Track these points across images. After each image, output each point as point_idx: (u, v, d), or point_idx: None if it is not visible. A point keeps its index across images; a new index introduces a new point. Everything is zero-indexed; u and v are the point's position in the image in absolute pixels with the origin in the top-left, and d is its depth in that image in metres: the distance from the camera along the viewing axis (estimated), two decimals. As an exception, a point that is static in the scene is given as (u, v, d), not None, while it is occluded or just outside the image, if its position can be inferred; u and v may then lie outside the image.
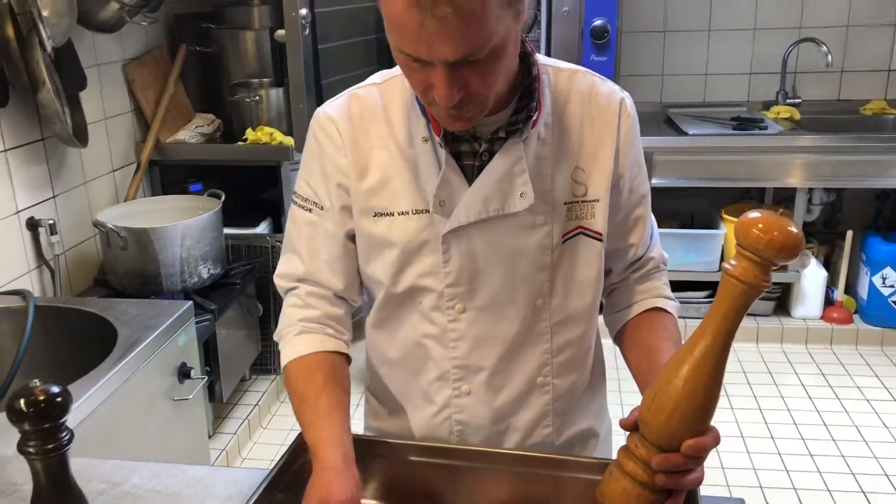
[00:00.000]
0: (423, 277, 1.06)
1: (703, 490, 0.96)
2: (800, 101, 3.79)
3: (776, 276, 3.34)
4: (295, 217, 1.12)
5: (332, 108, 1.09)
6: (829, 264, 3.78)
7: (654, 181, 3.34)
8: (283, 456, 1.05)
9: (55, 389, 0.81)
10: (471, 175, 1.03)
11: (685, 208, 3.84)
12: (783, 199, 3.70)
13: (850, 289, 3.72)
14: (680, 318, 1.18)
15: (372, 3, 3.31)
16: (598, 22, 3.29)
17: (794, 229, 0.79)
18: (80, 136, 2.41)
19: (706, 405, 0.84)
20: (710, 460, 0.98)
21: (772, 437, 2.88)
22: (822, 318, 3.66)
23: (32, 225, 2.33)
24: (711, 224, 3.70)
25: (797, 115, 3.64)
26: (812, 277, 3.62)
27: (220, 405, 2.80)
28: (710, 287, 3.66)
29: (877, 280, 3.55)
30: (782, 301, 3.74)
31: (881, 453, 2.78)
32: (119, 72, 2.85)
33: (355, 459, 0.98)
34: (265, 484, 0.99)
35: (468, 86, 0.89)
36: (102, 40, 2.69)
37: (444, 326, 1.08)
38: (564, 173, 1.05)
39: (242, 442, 2.82)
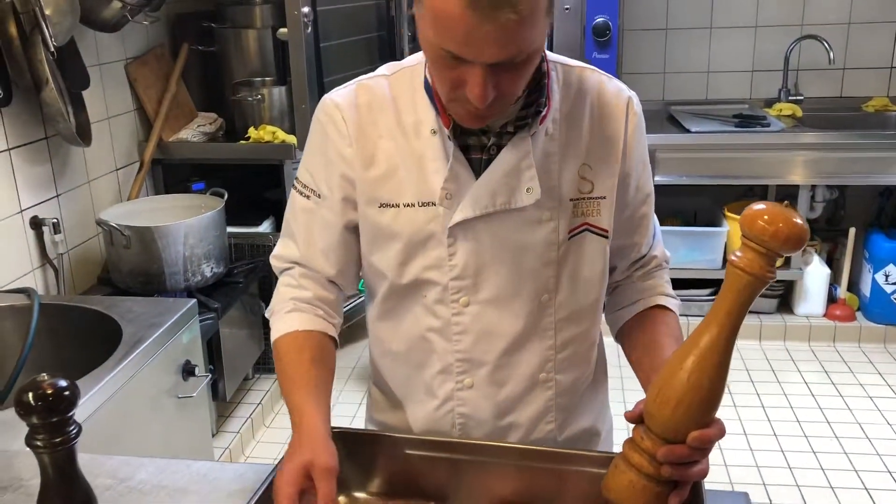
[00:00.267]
0: (427, 270, 1.06)
1: (707, 486, 0.96)
2: (802, 98, 3.78)
3: (779, 274, 3.33)
4: (294, 202, 1.13)
5: (339, 97, 1.08)
6: (832, 262, 3.78)
7: (656, 179, 3.32)
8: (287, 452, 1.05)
9: (63, 383, 0.81)
10: (478, 168, 1.03)
11: (687, 206, 3.84)
12: (786, 196, 3.66)
13: (853, 286, 3.72)
14: (682, 316, 1.19)
15: (373, 1, 3.31)
16: (599, 19, 3.30)
17: (798, 220, 0.79)
18: (83, 135, 2.41)
19: (711, 397, 0.85)
20: (713, 457, 0.98)
21: (775, 434, 2.88)
22: (824, 315, 3.66)
23: (36, 224, 2.33)
24: (714, 222, 3.70)
25: (799, 113, 3.64)
26: (815, 275, 3.62)
27: (223, 404, 2.81)
28: (713, 285, 3.66)
29: (879, 277, 3.55)
30: (785, 298, 3.74)
31: (884, 450, 2.78)
32: (121, 71, 2.85)
33: (356, 453, 0.99)
34: (270, 479, 0.99)
35: (499, 86, 0.90)
36: (104, 39, 2.70)
37: (448, 320, 1.08)
38: (571, 170, 1.05)
39: (246, 440, 2.82)
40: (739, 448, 2.78)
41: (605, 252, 1.09)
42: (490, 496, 1.04)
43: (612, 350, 1.23)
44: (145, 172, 2.91)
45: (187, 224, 2.47)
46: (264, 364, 3.11)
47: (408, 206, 1.04)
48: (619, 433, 1.26)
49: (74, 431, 0.83)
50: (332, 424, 1.08)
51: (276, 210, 3.14)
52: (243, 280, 2.75)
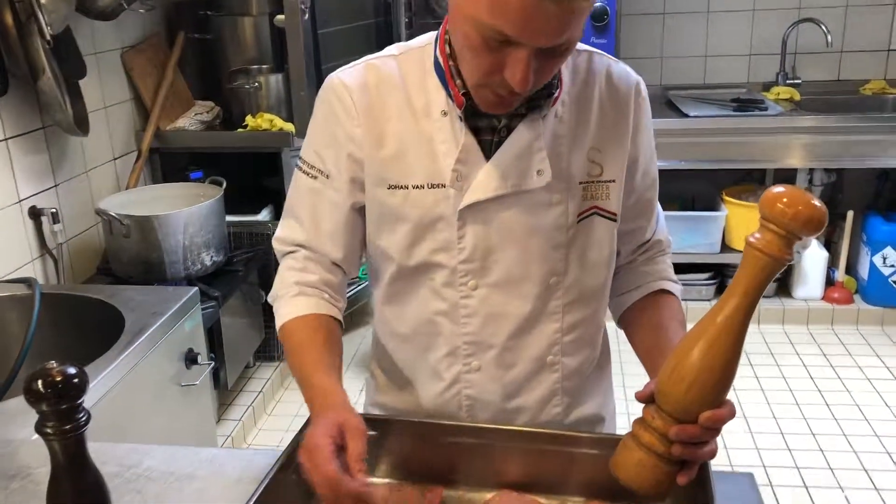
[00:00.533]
0: (436, 253, 1.06)
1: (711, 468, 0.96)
2: (800, 81, 3.78)
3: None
4: (299, 183, 1.11)
5: (347, 76, 1.06)
6: (830, 245, 3.79)
7: (654, 164, 3.33)
8: (296, 436, 1.05)
9: (72, 370, 0.81)
10: (488, 151, 1.03)
11: (686, 191, 3.84)
12: (784, 180, 3.70)
13: (851, 269, 3.73)
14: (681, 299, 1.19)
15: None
16: (597, 4, 3.28)
17: (817, 203, 0.80)
18: (80, 124, 2.40)
19: (725, 378, 0.85)
20: (714, 440, 0.98)
21: (774, 416, 2.90)
22: (823, 298, 3.67)
23: (35, 214, 2.32)
24: (712, 206, 3.71)
25: (797, 96, 3.64)
26: (813, 258, 3.63)
27: (224, 392, 2.81)
28: (712, 269, 3.67)
29: (877, 260, 3.56)
30: (783, 282, 3.75)
31: (882, 431, 2.80)
32: (117, 60, 2.84)
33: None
34: (279, 464, 0.99)
35: (538, 72, 0.89)
36: (100, 28, 2.68)
37: (456, 303, 1.07)
38: (580, 153, 1.05)
39: (248, 428, 2.83)
40: (739, 430, 2.79)
41: (614, 235, 1.09)
42: (498, 479, 1.04)
43: (612, 335, 1.24)
44: (143, 161, 2.90)
45: (187, 213, 2.47)
46: (265, 352, 3.11)
47: (417, 187, 1.03)
48: (620, 417, 1.27)
49: (84, 418, 0.83)
50: None
51: (274, 198, 3.13)
52: (243, 268, 2.75)
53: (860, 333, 3.53)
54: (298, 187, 1.11)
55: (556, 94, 1.02)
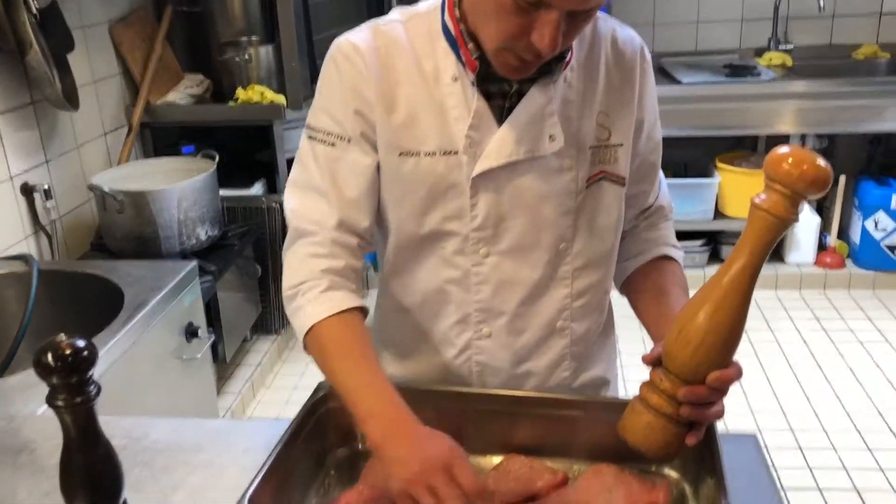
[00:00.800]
0: (448, 221, 1.05)
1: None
2: (792, 47, 3.77)
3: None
4: (314, 154, 1.04)
5: (356, 38, 1.03)
6: (822, 210, 3.81)
7: (648, 131, 3.33)
8: (304, 406, 1.05)
9: (81, 343, 0.80)
10: (499, 116, 1.02)
11: (678, 158, 3.84)
12: (776, 146, 3.70)
13: (843, 234, 3.75)
14: (678, 266, 1.19)
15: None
16: (589, -30, 3.24)
17: (823, 163, 0.80)
18: (70, 98, 2.37)
19: (731, 339, 0.86)
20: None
21: (768, 379, 2.93)
22: (815, 263, 3.70)
23: (27, 190, 2.30)
24: (705, 173, 3.71)
25: (790, 62, 3.63)
26: (805, 223, 3.64)
27: (223, 366, 2.82)
28: (705, 236, 3.68)
29: (869, 224, 3.58)
30: (776, 248, 3.75)
31: (874, 392, 2.84)
32: (105, 33, 2.80)
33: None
34: (289, 433, 0.99)
35: (564, 35, 0.89)
36: (87, 1, 2.64)
37: (468, 270, 1.07)
38: (589, 117, 1.04)
39: (247, 401, 2.84)
40: (733, 393, 2.81)
41: (622, 200, 1.09)
42: (506, 443, 1.05)
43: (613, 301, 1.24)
44: (134, 136, 2.87)
45: (181, 187, 2.45)
46: (262, 326, 3.11)
47: (429, 154, 1.02)
48: (631, 384, 1.28)
49: (94, 391, 0.83)
50: None
51: (266, 172, 3.11)
52: (238, 243, 2.74)
53: (852, 297, 3.56)
54: (315, 157, 1.04)
55: (567, 59, 1.01)
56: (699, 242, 3.66)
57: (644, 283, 1.15)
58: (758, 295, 3.81)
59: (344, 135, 1.03)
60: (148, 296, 1.75)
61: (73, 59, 2.45)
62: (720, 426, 0.98)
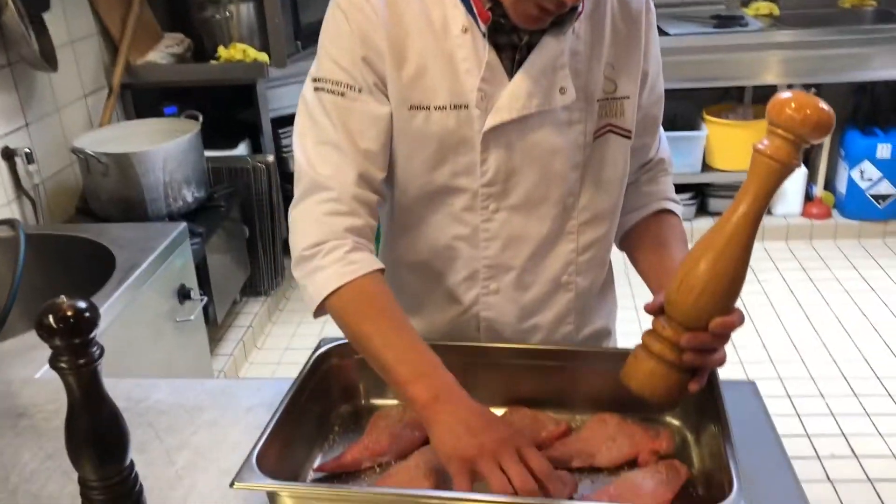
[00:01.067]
0: (457, 177, 1.03)
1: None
2: (778, -5, 3.74)
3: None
4: (325, 105, 0.99)
5: None
6: (808, 161, 3.82)
7: (635, 84, 3.31)
8: (307, 364, 1.05)
9: (82, 304, 0.79)
10: (509, 69, 0.99)
11: (667, 110, 3.76)
12: (763, 97, 3.69)
13: (829, 184, 3.77)
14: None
15: None
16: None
17: (825, 107, 0.79)
18: (48, 58, 2.32)
19: (734, 285, 0.86)
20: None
21: (756, 330, 2.96)
22: (801, 214, 3.72)
23: (8, 155, 2.26)
24: (693, 126, 3.70)
25: (776, 11, 3.61)
26: (792, 174, 3.65)
27: (214, 328, 2.81)
28: (693, 189, 3.69)
29: (855, 174, 3.60)
30: (762, 199, 3.78)
31: (860, 339, 2.89)
32: (81, -9, 2.72)
33: None
34: (293, 391, 0.99)
35: None
36: (61, -43, 2.56)
37: (477, 227, 1.06)
38: (597, 70, 1.03)
39: (239, 363, 2.84)
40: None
41: (627, 153, 1.08)
42: (509, 396, 1.05)
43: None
44: (115, 97, 2.82)
45: (165, 148, 2.41)
46: (252, 287, 3.10)
47: (439, 108, 0.99)
48: (621, 337, 1.29)
49: (98, 352, 0.82)
50: (332, 336, 1.07)
51: (251, 132, 3.07)
52: (224, 204, 2.71)
53: (838, 247, 3.60)
54: (324, 109, 0.99)
55: (579, 10, 0.98)
56: (687, 195, 3.66)
57: (644, 235, 1.14)
58: (746, 246, 3.78)
59: (354, 84, 0.99)
60: (139, 258, 1.73)
61: (49, 18, 2.39)
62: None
